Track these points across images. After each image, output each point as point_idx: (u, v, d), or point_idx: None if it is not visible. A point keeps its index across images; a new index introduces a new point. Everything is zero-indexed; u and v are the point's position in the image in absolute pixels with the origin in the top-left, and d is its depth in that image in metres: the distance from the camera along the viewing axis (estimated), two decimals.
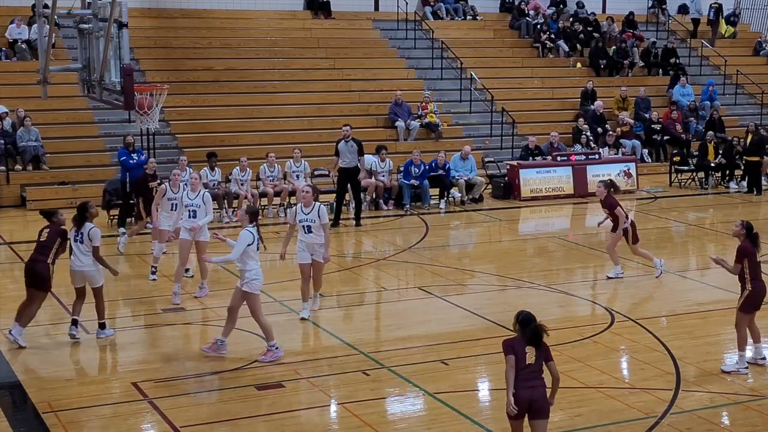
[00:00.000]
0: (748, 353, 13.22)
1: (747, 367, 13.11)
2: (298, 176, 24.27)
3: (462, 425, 11.24)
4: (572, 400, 12.07)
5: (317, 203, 15.05)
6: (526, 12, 37.17)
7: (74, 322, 14.20)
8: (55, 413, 11.46)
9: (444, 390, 12.21)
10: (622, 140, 30.85)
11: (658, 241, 22.49)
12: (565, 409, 11.74)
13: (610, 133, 30.58)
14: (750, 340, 13.28)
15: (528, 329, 9.61)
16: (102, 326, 14.34)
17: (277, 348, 13.34)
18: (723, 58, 36.88)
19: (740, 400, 12.07)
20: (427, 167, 25.21)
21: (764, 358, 13.41)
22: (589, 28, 36.94)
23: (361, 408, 11.70)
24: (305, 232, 15.01)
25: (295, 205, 23.61)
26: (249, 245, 13.11)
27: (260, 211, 13.56)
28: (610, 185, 17.74)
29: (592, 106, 31.96)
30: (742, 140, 29.28)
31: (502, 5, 38.04)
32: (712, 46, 37.88)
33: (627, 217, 17.65)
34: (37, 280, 13.95)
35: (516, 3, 37.62)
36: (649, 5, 39.92)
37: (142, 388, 12.29)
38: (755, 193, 27.71)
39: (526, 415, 9.50)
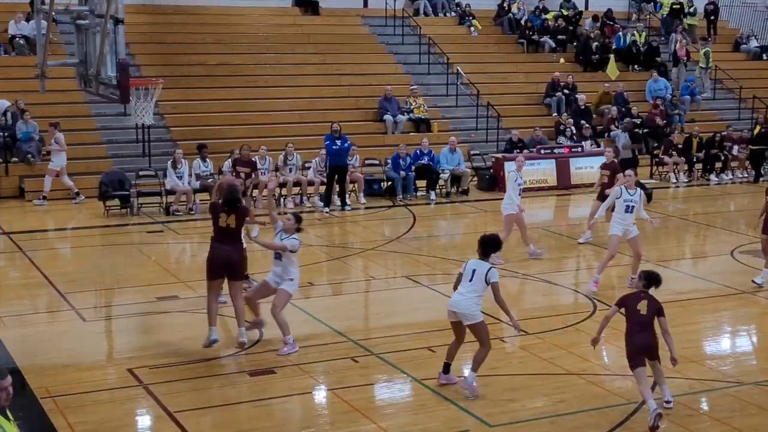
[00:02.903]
0: None
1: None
2: (291, 169, 24.78)
3: (448, 411, 11.45)
4: (555, 386, 12.35)
5: None
6: (507, 7, 37.59)
7: None
8: (53, 398, 11.62)
9: (431, 376, 12.42)
10: (612, 133, 31.40)
11: (639, 232, 22.84)
12: (548, 394, 12.04)
13: (586, 126, 31.02)
14: None
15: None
16: None
17: None
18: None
19: (719, 387, 12.33)
20: (412, 159, 25.70)
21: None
22: (571, 27, 37.37)
23: (349, 393, 11.93)
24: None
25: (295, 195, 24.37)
26: None
27: None
28: None
29: (557, 95, 32.66)
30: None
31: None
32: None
33: None
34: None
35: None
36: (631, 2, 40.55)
37: (138, 374, 12.49)
38: (753, 180, 28.83)
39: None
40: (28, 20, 29.04)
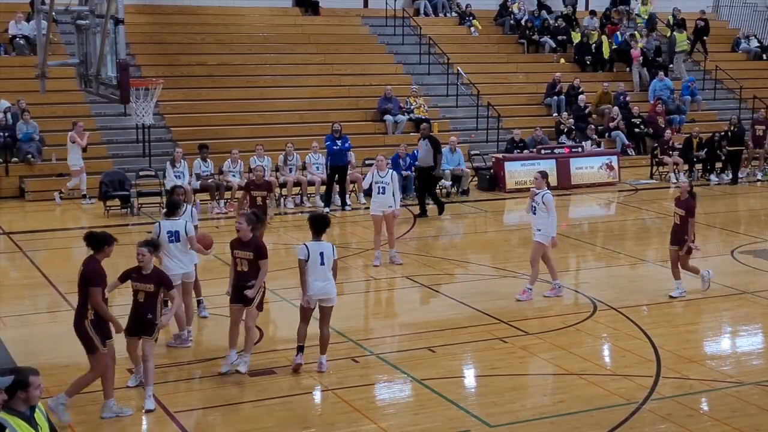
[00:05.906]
0: None
1: None
2: (291, 169, 24.80)
3: (448, 411, 11.44)
4: (555, 387, 12.39)
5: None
6: (509, 8, 37.60)
7: None
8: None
9: (431, 376, 12.44)
10: (612, 133, 31.45)
11: (638, 232, 22.89)
12: (548, 395, 12.07)
13: (591, 126, 31.05)
14: None
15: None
16: None
17: None
18: (703, 54, 37.48)
19: (719, 387, 12.32)
20: (412, 159, 25.66)
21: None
22: (571, 28, 37.42)
23: (350, 394, 11.93)
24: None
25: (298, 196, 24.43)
26: None
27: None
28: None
29: (557, 97, 32.77)
30: (724, 132, 29.92)
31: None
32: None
33: None
34: None
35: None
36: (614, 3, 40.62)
37: None
38: (732, 182, 29.01)
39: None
40: (28, 20, 29.13)
